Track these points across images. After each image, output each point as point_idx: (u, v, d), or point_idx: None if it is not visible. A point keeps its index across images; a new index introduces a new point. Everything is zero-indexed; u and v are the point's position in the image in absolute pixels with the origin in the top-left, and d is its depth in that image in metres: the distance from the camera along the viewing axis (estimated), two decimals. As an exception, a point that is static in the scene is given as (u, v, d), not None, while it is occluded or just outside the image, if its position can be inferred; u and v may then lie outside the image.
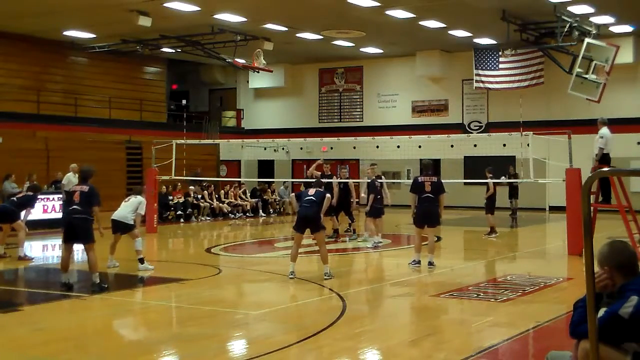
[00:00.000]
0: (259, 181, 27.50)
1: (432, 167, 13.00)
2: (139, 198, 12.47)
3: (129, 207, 12.29)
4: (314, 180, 13.90)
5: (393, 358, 6.90)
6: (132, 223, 12.25)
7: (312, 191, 11.41)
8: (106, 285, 10.25)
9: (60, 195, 20.03)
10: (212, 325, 8.22)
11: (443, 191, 12.63)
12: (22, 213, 14.27)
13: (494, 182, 17.51)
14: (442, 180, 12.89)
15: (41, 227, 18.97)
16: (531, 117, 25.48)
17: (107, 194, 23.10)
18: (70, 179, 19.35)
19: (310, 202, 11.21)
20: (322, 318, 8.44)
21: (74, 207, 10.35)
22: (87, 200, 10.30)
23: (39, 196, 15.91)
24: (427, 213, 12.43)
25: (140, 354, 7.07)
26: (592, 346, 3.66)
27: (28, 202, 14.26)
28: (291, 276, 11.07)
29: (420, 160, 12.89)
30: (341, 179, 17.95)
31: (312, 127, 31.68)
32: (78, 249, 11.52)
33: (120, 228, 12.28)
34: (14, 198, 14.40)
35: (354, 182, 18.64)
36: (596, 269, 4.26)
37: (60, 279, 10.42)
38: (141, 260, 12.11)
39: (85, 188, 10.43)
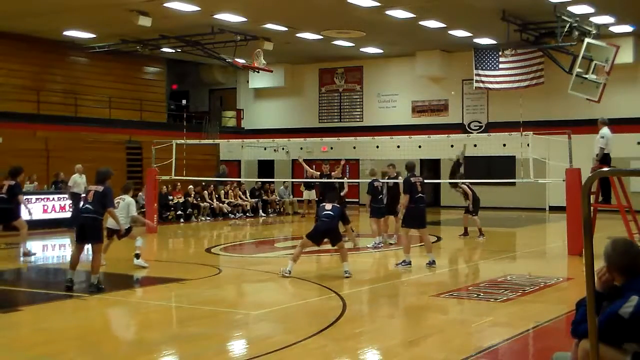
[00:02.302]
0: (261, 182, 27.46)
1: (416, 167, 13.08)
2: (127, 200, 12.30)
3: (121, 214, 11.97)
4: (313, 180, 13.93)
5: (393, 358, 6.90)
6: (126, 227, 12.08)
7: (329, 206, 11.62)
8: (103, 287, 10.19)
9: (61, 195, 20.00)
10: (212, 325, 8.21)
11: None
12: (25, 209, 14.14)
13: (469, 185, 17.71)
14: (442, 181, 12.99)
15: (41, 227, 18.96)
16: (531, 117, 25.44)
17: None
18: (76, 179, 19.30)
19: (329, 217, 11.49)
20: (322, 318, 8.42)
21: (86, 206, 10.38)
22: (99, 201, 10.31)
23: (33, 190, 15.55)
24: (423, 214, 12.59)
25: (140, 354, 7.07)
26: (592, 346, 3.66)
27: (14, 191, 13.75)
28: (287, 274, 11.11)
29: (406, 163, 12.98)
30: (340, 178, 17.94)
31: (312, 127, 31.69)
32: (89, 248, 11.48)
33: (114, 233, 12.17)
34: (3, 194, 13.89)
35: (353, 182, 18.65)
36: (602, 264, 4.26)
37: (65, 275, 10.36)
38: (137, 256, 12.15)
39: (100, 188, 10.45)
